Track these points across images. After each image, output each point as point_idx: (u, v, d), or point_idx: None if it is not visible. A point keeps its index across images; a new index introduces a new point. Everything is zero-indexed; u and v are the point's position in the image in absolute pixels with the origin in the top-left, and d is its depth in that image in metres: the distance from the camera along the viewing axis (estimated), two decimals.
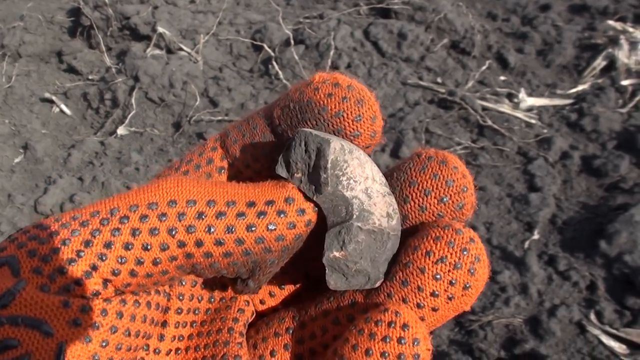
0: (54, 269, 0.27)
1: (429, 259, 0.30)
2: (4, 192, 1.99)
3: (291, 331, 0.34)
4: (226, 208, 0.29)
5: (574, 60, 2.49)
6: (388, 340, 0.29)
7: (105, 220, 0.29)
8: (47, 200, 1.92)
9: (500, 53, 2.52)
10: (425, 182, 0.32)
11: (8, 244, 0.29)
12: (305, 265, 0.34)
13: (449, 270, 0.30)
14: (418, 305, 0.31)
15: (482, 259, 0.31)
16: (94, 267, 0.28)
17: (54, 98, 2.38)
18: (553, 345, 1.46)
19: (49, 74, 2.52)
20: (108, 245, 0.28)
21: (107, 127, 2.28)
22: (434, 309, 0.31)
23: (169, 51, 2.49)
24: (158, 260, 0.29)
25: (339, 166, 0.30)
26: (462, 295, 0.30)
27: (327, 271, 0.31)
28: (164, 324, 0.33)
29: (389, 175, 0.34)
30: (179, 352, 0.34)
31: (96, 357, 0.28)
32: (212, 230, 0.29)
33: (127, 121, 2.25)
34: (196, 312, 0.34)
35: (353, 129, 0.32)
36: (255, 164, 0.34)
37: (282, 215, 0.30)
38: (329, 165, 0.30)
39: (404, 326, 0.29)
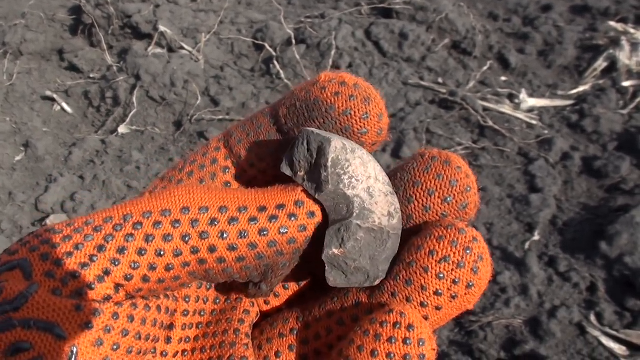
0: (66, 272, 0.28)
1: (432, 258, 0.31)
2: (5, 190, 1.99)
3: (295, 332, 0.34)
4: (238, 213, 0.30)
5: (575, 61, 2.49)
6: (394, 341, 0.29)
7: (118, 226, 0.29)
8: (48, 198, 1.92)
9: (501, 53, 2.52)
10: (429, 182, 0.33)
11: (20, 247, 0.29)
12: (309, 265, 0.35)
13: (452, 269, 0.30)
14: (422, 304, 0.31)
15: (485, 257, 0.31)
16: (107, 272, 0.28)
17: (55, 96, 2.38)
18: (553, 346, 1.46)
19: (50, 72, 2.52)
20: (121, 250, 0.28)
21: (108, 126, 2.28)
22: (438, 308, 0.31)
23: (171, 50, 2.49)
24: (171, 266, 0.29)
25: (341, 165, 0.31)
26: (466, 294, 0.31)
27: (326, 268, 0.31)
28: (171, 326, 0.33)
29: (393, 175, 0.34)
30: (186, 353, 0.34)
31: None
32: (225, 235, 0.29)
33: (128, 120, 2.25)
34: (202, 313, 0.35)
35: (360, 126, 0.32)
36: (261, 163, 0.35)
37: (293, 219, 0.30)
38: (329, 164, 0.30)
39: (409, 327, 0.29)
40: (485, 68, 2.45)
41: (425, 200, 0.33)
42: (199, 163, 0.35)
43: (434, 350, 0.30)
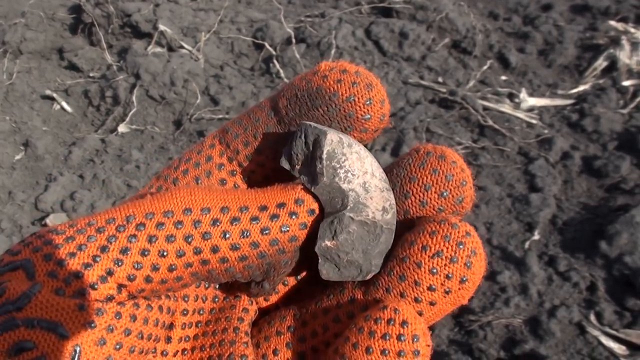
0: (69, 273, 0.28)
1: (425, 254, 0.31)
2: (5, 189, 1.99)
3: (293, 329, 0.34)
4: (240, 213, 0.30)
5: (575, 61, 2.49)
6: (387, 337, 0.29)
7: (121, 227, 0.29)
8: (48, 197, 1.92)
9: (501, 53, 2.52)
10: (425, 177, 0.33)
11: (22, 248, 0.29)
12: (307, 260, 0.35)
13: (445, 264, 0.30)
14: (416, 300, 0.31)
15: (479, 252, 0.31)
16: (110, 272, 0.28)
17: (54, 95, 2.38)
18: (553, 345, 1.47)
19: (50, 71, 2.52)
20: (124, 251, 0.28)
21: (108, 125, 2.28)
22: (432, 303, 0.31)
23: (170, 49, 2.49)
24: (174, 266, 0.29)
25: (337, 158, 0.31)
26: (459, 289, 0.31)
27: (319, 261, 0.32)
28: (171, 325, 0.33)
29: (389, 171, 0.34)
30: (186, 352, 0.34)
31: (110, 359, 0.28)
32: (227, 235, 0.30)
33: (127, 119, 2.25)
34: (201, 312, 0.35)
35: (364, 112, 0.32)
36: (259, 156, 0.35)
37: (293, 217, 0.31)
38: (324, 156, 0.30)
39: (403, 323, 0.29)
40: (485, 67, 2.45)
41: (421, 195, 0.33)
42: (194, 161, 0.35)
43: (429, 346, 0.30)
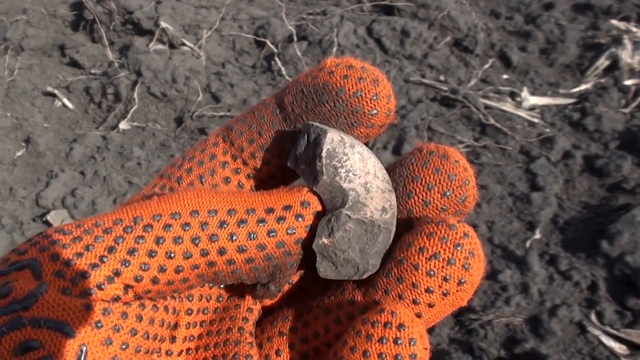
0: (76, 273, 0.28)
1: (423, 256, 0.31)
2: (6, 186, 1.99)
3: (295, 330, 0.34)
4: (247, 215, 0.30)
5: (577, 60, 2.49)
6: (385, 341, 0.29)
7: (129, 228, 0.29)
8: (49, 194, 1.92)
9: (503, 51, 2.52)
10: (428, 177, 0.33)
11: (29, 247, 0.29)
12: (309, 259, 0.35)
13: (442, 267, 0.30)
14: (414, 302, 0.31)
15: (477, 253, 0.31)
16: (117, 273, 0.28)
17: (56, 92, 2.38)
18: (553, 345, 1.47)
19: (51, 68, 2.52)
20: (132, 252, 0.28)
21: (109, 122, 2.28)
22: (430, 305, 0.31)
23: (172, 46, 2.49)
24: (180, 268, 0.29)
25: (338, 157, 0.31)
26: (457, 291, 0.31)
27: (317, 258, 0.32)
28: (175, 325, 0.33)
29: (391, 170, 0.34)
30: (190, 352, 0.34)
31: (116, 359, 0.28)
32: (234, 237, 0.30)
33: (129, 116, 2.25)
34: (205, 311, 0.35)
35: (371, 107, 0.33)
36: (265, 153, 0.35)
37: (300, 219, 0.31)
38: (323, 154, 0.31)
39: (400, 326, 0.29)
40: (487, 66, 2.44)
41: (424, 194, 0.33)
42: (198, 159, 0.35)
43: (426, 349, 0.30)
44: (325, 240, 0.31)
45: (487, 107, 2.21)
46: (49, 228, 0.30)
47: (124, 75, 2.34)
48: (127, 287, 0.29)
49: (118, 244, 0.29)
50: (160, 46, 2.47)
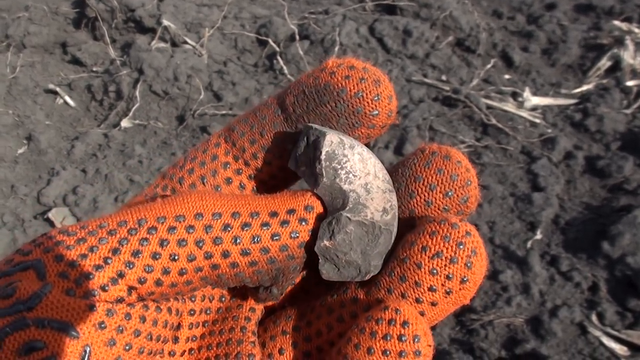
0: (80, 274, 0.28)
1: (425, 254, 0.31)
2: (7, 183, 1.99)
3: (298, 329, 0.34)
4: (251, 219, 0.30)
5: (579, 60, 2.49)
6: (389, 338, 0.29)
7: (133, 230, 0.29)
8: (50, 191, 1.92)
9: (505, 51, 2.52)
10: (430, 177, 0.33)
11: (33, 248, 0.29)
12: (312, 260, 0.35)
13: (445, 265, 0.30)
14: (417, 300, 0.31)
15: (479, 252, 0.31)
16: (121, 275, 0.28)
17: (58, 89, 2.38)
18: (554, 345, 1.47)
19: (53, 65, 2.52)
20: (136, 254, 0.29)
21: (111, 120, 2.28)
22: (433, 304, 0.31)
23: (174, 44, 2.49)
24: (184, 270, 0.29)
25: (337, 159, 0.31)
26: (460, 289, 0.31)
27: (320, 260, 0.32)
28: (178, 326, 0.33)
29: (394, 171, 0.35)
30: (193, 352, 0.34)
31: None
32: (238, 241, 0.30)
33: (130, 114, 2.25)
34: (208, 311, 0.35)
35: (372, 108, 0.33)
36: (267, 154, 0.35)
37: (303, 223, 0.31)
38: (323, 157, 0.31)
39: (404, 323, 0.29)
40: (488, 66, 2.44)
41: (427, 195, 0.33)
42: (200, 160, 0.35)
43: (430, 346, 0.30)
44: (326, 243, 0.31)
45: (488, 107, 2.21)
46: (53, 229, 0.30)
47: (125, 73, 2.34)
48: (130, 288, 0.29)
49: (122, 245, 0.29)
50: (162, 44, 2.47)
